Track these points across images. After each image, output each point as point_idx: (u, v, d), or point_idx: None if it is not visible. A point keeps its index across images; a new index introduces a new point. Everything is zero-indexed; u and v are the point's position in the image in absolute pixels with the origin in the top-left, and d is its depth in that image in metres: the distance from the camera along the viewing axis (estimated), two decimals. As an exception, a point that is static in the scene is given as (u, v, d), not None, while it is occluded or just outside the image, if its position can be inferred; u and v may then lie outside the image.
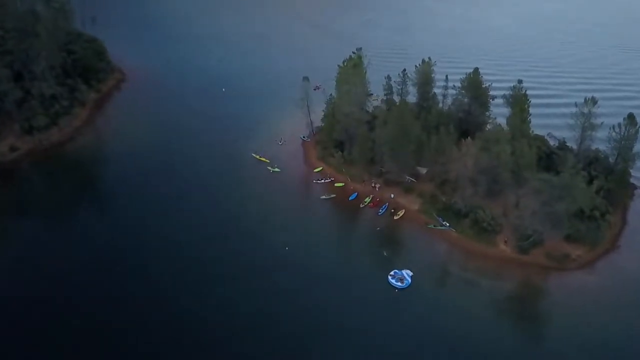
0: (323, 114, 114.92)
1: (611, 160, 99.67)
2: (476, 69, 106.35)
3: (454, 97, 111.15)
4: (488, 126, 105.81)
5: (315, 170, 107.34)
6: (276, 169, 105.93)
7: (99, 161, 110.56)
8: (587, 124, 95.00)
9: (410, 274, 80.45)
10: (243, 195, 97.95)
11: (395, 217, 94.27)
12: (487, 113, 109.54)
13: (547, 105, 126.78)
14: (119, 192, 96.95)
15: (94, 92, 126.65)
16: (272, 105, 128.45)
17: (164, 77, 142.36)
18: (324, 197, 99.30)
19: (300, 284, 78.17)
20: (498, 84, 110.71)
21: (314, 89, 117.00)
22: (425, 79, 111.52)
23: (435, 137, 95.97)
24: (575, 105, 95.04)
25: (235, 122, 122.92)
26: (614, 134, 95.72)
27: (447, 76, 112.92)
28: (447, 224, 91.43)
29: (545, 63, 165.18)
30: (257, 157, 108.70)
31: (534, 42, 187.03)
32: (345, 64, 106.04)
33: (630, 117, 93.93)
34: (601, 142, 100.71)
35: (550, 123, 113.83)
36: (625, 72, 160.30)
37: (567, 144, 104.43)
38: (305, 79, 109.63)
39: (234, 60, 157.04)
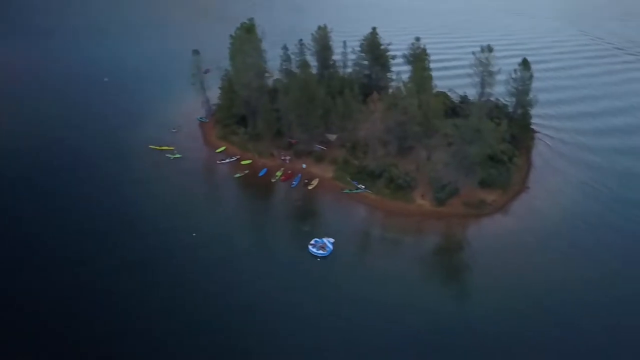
0: (220, 92, 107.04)
1: (510, 108, 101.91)
2: (374, 29, 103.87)
3: (354, 61, 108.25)
4: (391, 89, 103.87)
5: (217, 151, 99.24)
6: (177, 155, 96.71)
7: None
8: (485, 72, 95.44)
9: (332, 241, 75.44)
10: (142, 189, 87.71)
11: (309, 187, 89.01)
12: (388, 75, 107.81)
13: (445, 68, 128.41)
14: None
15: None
16: (161, 93, 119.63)
17: (41, 70, 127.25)
18: (237, 174, 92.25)
19: (214, 267, 70.62)
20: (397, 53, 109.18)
21: (204, 72, 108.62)
22: (323, 45, 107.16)
23: (340, 99, 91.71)
24: (473, 54, 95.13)
25: (123, 114, 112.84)
26: (511, 80, 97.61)
27: (345, 42, 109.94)
28: (363, 187, 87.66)
29: (436, 31, 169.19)
30: (158, 147, 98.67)
31: (424, 12, 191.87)
32: (237, 32, 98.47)
33: (525, 62, 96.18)
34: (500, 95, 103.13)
35: (449, 83, 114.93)
36: (512, 33, 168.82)
37: (469, 98, 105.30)
38: (195, 52, 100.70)
39: (117, 50, 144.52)
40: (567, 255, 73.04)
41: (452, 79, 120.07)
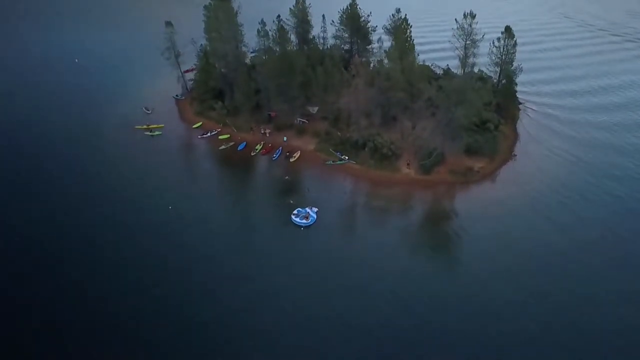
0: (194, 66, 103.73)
1: (494, 79, 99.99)
2: (353, 1, 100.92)
3: (334, 34, 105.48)
4: (372, 63, 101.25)
5: (194, 126, 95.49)
6: (157, 133, 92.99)
7: None
8: (468, 41, 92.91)
9: (316, 210, 72.30)
10: (120, 166, 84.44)
11: (291, 160, 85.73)
12: (369, 47, 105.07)
13: (427, 43, 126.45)
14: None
15: None
16: (135, 74, 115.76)
17: (11, 52, 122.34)
18: (222, 147, 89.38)
19: (193, 238, 67.18)
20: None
21: (190, 71, 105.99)
22: (302, 19, 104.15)
23: (321, 68, 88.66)
24: (456, 21, 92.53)
25: (96, 96, 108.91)
26: (494, 49, 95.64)
27: (323, 15, 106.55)
28: (347, 158, 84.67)
29: (416, 10, 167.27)
30: (145, 127, 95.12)
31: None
32: (211, 3, 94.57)
33: (508, 29, 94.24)
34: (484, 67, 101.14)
35: (431, 57, 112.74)
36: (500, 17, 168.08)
37: (452, 70, 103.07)
38: (169, 24, 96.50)
39: (90, 34, 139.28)
40: (554, 224, 70.44)
41: (435, 55, 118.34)
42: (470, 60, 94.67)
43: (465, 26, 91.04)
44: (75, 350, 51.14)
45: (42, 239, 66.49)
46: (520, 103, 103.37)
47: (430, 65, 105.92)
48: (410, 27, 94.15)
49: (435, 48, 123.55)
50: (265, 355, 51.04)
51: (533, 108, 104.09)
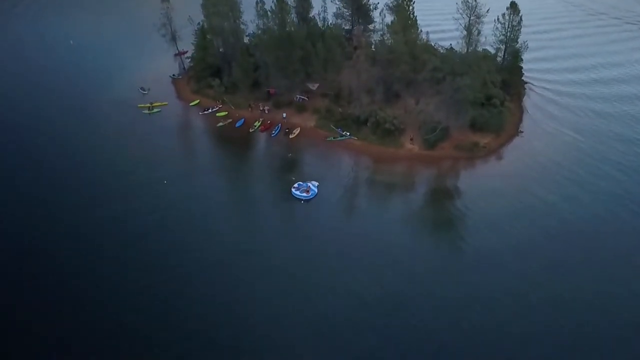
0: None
1: (499, 56, 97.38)
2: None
3: (335, 13, 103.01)
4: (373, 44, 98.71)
5: (191, 104, 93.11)
6: (155, 110, 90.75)
7: None
8: (472, 16, 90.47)
9: (316, 184, 69.95)
10: (114, 143, 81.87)
11: (290, 137, 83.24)
12: (370, 26, 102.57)
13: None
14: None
15: None
16: (130, 56, 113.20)
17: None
18: (220, 124, 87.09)
19: (191, 214, 65.00)
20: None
21: (182, 54, 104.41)
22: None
23: (321, 43, 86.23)
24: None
25: (92, 78, 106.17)
26: (499, 25, 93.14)
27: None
28: (348, 134, 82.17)
29: None
30: (149, 104, 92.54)
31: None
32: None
33: (513, 5, 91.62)
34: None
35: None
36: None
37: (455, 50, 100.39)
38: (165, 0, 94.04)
39: (84, 18, 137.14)
40: (557, 205, 67.20)
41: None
42: (474, 37, 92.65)
43: (470, 0, 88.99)
44: (75, 349, 48.17)
45: (39, 232, 63.34)
46: (526, 83, 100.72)
47: (433, 44, 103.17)
48: (413, 3, 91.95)
49: (438, 38, 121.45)
50: (264, 350, 47.97)
51: (538, 92, 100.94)
